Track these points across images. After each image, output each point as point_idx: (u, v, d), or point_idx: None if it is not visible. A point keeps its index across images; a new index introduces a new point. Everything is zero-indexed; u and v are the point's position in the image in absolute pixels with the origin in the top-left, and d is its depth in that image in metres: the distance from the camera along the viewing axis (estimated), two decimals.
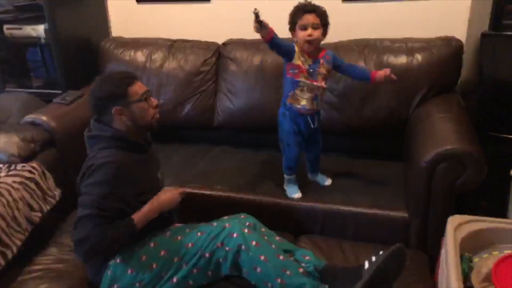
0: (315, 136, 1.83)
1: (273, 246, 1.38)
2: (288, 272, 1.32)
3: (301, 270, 1.34)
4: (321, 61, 1.69)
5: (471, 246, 1.35)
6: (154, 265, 1.37)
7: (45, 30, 2.29)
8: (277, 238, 1.50)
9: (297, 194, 1.79)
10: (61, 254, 1.61)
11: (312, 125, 1.75)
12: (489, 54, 1.76)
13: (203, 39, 2.38)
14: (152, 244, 1.40)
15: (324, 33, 1.68)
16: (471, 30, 2.05)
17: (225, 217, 1.51)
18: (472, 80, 2.00)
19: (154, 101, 1.47)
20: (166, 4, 2.51)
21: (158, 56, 2.34)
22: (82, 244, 1.31)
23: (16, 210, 1.57)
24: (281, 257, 1.34)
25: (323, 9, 1.66)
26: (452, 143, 1.54)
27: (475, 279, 1.27)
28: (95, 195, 1.33)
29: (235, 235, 1.33)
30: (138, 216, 1.39)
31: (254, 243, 1.32)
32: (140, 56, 2.36)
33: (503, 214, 1.75)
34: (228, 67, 2.26)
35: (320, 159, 1.90)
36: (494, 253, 1.35)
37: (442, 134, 1.62)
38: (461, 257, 1.30)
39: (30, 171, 1.70)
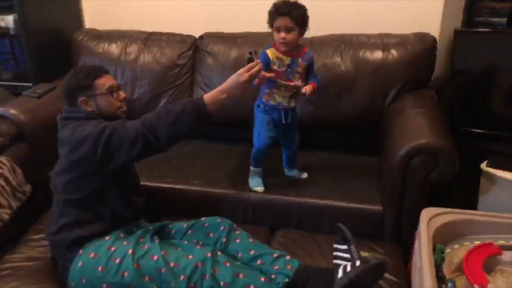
0: (291, 132, 1.83)
1: (241, 276, 1.33)
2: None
3: (262, 279, 1.35)
4: (300, 60, 1.69)
5: (444, 238, 1.39)
6: (126, 274, 1.35)
7: (15, 21, 2.21)
8: (251, 240, 1.50)
9: (260, 188, 1.78)
10: (32, 252, 1.56)
11: (283, 121, 1.75)
12: (461, 50, 1.80)
13: (179, 32, 2.35)
14: (129, 251, 1.38)
15: (301, 33, 1.65)
16: (444, 27, 2.09)
17: (203, 218, 1.56)
18: (446, 75, 2.04)
19: (121, 94, 1.52)
20: None
21: (133, 49, 2.29)
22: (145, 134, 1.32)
23: None
24: (251, 287, 1.33)
25: (299, 10, 1.61)
26: (425, 137, 1.57)
27: (447, 269, 1.30)
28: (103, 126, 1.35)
29: (206, 276, 1.32)
30: (208, 96, 1.37)
31: (222, 283, 1.31)
32: (114, 49, 2.31)
33: (474, 207, 1.80)
34: (204, 61, 2.23)
35: (297, 155, 1.90)
36: (465, 244, 1.39)
37: (416, 128, 1.65)
38: (434, 248, 1.32)
39: None
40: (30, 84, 2.23)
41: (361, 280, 1.27)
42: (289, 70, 1.68)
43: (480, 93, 1.83)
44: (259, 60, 1.46)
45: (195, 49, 2.28)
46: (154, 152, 1.39)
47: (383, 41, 2.04)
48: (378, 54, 2.02)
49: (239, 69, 2.10)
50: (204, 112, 1.36)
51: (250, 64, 1.40)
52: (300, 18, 1.61)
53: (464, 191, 1.86)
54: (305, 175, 1.90)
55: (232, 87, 1.39)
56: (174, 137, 1.36)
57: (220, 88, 1.40)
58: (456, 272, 1.30)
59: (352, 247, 1.37)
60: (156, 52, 2.27)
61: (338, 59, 2.05)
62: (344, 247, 1.39)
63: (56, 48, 2.38)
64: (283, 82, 1.68)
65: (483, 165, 1.75)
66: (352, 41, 2.08)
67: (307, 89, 1.68)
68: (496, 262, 1.32)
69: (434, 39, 2.01)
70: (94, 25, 2.53)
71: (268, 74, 1.58)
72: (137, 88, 2.26)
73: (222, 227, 1.52)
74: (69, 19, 2.50)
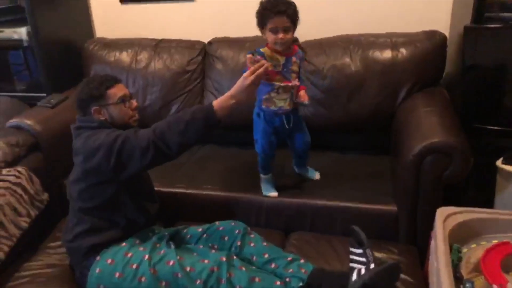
0: (296, 132, 1.79)
1: (257, 279, 1.34)
2: None
3: (278, 283, 1.35)
4: (293, 58, 1.65)
5: (460, 237, 1.37)
6: (143, 279, 1.37)
7: (28, 33, 2.25)
8: (265, 243, 1.51)
9: (273, 193, 1.77)
10: (50, 259, 1.59)
11: (286, 126, 1.71)
12: (471, 47, 1.78)
13: (188, 38, 2.37)
14: (146, 257, 1.39)
15: (294, 31, 1.60)
16: (454, 24, 2.07)
17: (217, 223, 1.58)
18: (457, 73, 2.02)
19: (134, 103, 1.54)
20: (150, 4, 2.49)
21: (143, 56, 2.32)
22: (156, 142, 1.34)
23: (2, 216, 1.55)
24: (256, 280, 1.34)
25: (293, 7, 1.55)
26: (438, 136, 1.55)
27: (464, 269, 1.29)
28: (116, 135, 1.37)
29: (222, 281, 1.33)
30: (217, 102, 1.38)
31: (238, 287, 1.33)
32: (125, 57, 2.34)
33: (490, 205, 1.78)
34: (214, 66, 2.25)
35: (306, 156, 1.88)
36: (482, 243, 1.38)
37: (428, 127, 1.64)
38: (450, 248, 1.31)
39: (16, 176, 1.68)
40: (44, 94, 2.27)
41: (375, 283, 1.27)
42: (285, 70, 1.63)
43: (492, 89, 1.80)
44: (263, 60, 1.44)
45: (204, 54, 2.30)
46: (166, 159, 1.40)
47: (392, 40, 2.03)
48: (387, 54, 2.01)
49: None
50: (214, 118, 1.36)
51: (254, 66, 1.39)
52: (296, 15, 1.56)
53: (480, 190, 1.84)
54: (317, 175, 1.89)
55: (238, 92, 1.39)
56: (184, 145, 1.37)
57: (228, 93, 1.40)
58: (473, 272, 1.28)
59: (368, 250, 1.37)
60: (166, 59, 2.29)
61: (347, 59, 2.04)
62: (360, 251, 1.38)
63: (68, 58, 2.42)
64: (281, 84, 1.63)
65: (499, 162, 1.72)
66: (361, 41, 2.07)
67: (305, 98, 1.65)
68: None
69: (444, 37, 1.99)
70: (105, 34, 2.57)
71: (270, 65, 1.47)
72: (148, 95, 2.28)
73: (237, 231, 1.53)
74: (80, 29, 2.54)
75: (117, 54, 2.35)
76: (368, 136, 2.13)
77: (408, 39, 2.02)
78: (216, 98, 2.17)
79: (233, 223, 1.57)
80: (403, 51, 1.99)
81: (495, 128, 1.80)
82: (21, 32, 2.27)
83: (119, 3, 2.52)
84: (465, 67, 1.82)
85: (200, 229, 1.58)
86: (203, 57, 2.30)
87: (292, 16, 1.55)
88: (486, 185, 1.78)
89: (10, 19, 2.35)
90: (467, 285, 1.20)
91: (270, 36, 1.58)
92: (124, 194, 1.47)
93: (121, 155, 1.35)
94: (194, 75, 2.28)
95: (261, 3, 1.58)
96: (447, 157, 1.53)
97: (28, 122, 1.91)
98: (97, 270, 1.40)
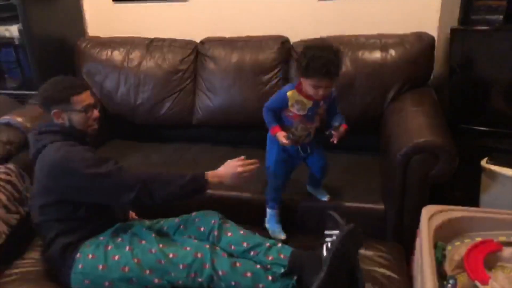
0: (313, 156, 1.68)
1: (238, 264, 1.39)
2: (261, 285, 1.37)
3: (270, 278, 1.38)
4: (321, 103, 1.56)
5: (445, 235, 1.39)
6: (126, 269, 1.38)
7: (19, 30, 2.25)
8: (242, 232, 1.51)
9: (282, 235, 1.66)
10: (41, 257, 1.59)
11: (302, 153, 1.64)
12: (458, 48, 1.81)
13: (180, 37, 2.38)
14: (127, 248, 1.41)
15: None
16: (442, 26, 2.11)
17: (193, 213, 1.60)
18: (445, 74, 2.05)
19: (96, 113, 1.55)
20: (143, 3, 2.49)
21: (135, 55, 2.33)
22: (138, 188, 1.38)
23: None
24: (248, 274, 1.38)
25: (341, 63, 1.45)
26: (425, 136, 1.58)
27: (448, 266, 1.31)
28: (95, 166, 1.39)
29: (207, 266, 1.36)
30: (210, 180, 1.47)
31: (220, 272, 1.36)
32: (117, 55, 2.34)
33: (475, 204, 1.80)
34: (206, 65, 2.26)
35: (323, 178, 1.75)
36: (466, 240, 1.40)
37: (415, 127, 1.67)
38: (435, 245, 1.33)
39: (6, 173, 1.68)
40: (35, 92, 2.26)
41: (343, 251, 1.29)
42: (310, 113, 1.55)
43: (478, 90, 1.83)
44: (257, 161, 1.52)
45: (196, 54, 2.31)
46: (142, 205, 1.48)
47: (381, 41, 2.06)
48: (377, 54, 2.03)
49: (240, 72, 2.18)
50: (202, 191, 1.47)
51: (247, 162, 1.51)
52: (339, 72, 1.46)
53: (465, 189, 1.87)
54: (327, 198, 1.75)
55: (228, 177, 1.50)
56: (168, 201, 1.46)
57: (219, 174, 1.50)
58: (457, 269, 1.31)
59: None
60: (158, 58, 2.30)
61: None
62: (336, 232, 1.35)
63: (60, 56, 2.42)
64: (302, 125, 1.54)
65: (484, 162, 1.76)
66: (351, 41, 2.10)
67: (335, 137, 1.55)
68: (497, 258, 1.32)
69: (432, 38, 2.02)
70: (97, 32, 2.57)
71: (286, 142, 1.51)
72: (140, 93, 2.29)
73: (213, 221, 1.53)
74: (72, 27, 2.54)
75: (109, 52, 2.35)
76: (357, 135, 2.13)
77: (397, 40, 2.05)
78: (208, 97, 2.23)
79: (208, 214, 1.57)
80: (392, 52, 2.02)
81: (481, 128, 1.83)
82: (12, 30, 2.27)
83: (112, 2, 2.52)
84: (451, 68, 1.85)
85: (177, 220, 1.60)
86: (195, 56, 2.31)
87: (338, 75, 1.46)
88: (471, 185, 1.81)
89: (1, 16, 2.35)
90: (450, 281, 1.23)
91: (309, 89, 1.48)
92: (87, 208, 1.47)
93: (99, 192, 1.39)
94: (186, 74, 2.29)
95: (306, 54, 1.45)
96: (433, 156, 1.56)
97: (19, 119, 1.91)
98: (80, 266, 1.41)
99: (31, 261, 1.58)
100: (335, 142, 1.55)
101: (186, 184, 1.43)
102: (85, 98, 1.51)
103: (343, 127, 1.57)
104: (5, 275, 1.51)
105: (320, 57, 1.42)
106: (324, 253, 1.32)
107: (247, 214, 1.76)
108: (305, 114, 1.55)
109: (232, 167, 1.50)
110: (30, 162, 1.51)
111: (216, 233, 1.50)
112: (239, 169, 1.49)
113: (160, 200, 1.42)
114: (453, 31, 1.79)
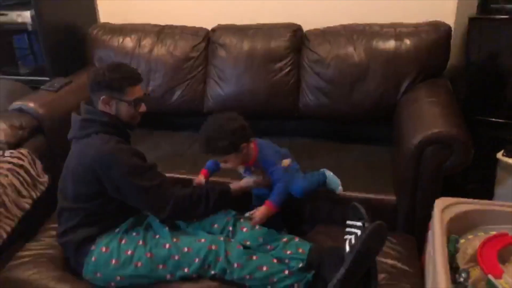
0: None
1: (254, 257, 1.39)
2: (275, 279, 1.36)
3: (286, 272, 1.37)
4: (252, 168, 1.60)
5: (458, 228, 1.37)
6: (139, 264, 1.38)
7: (32, 17, 2.25)
8: (257, 227, 1.48)
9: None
10: (51, 240, 1.61)
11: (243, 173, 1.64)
12: (476, 38, 1.77)
13: (191, 25, 2.36)
14: (140, 242, 1.41)
15: (241, 151, 1.47)
16: (459, 14, 2.05)
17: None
18: (461, 64, 2.01)
19: (143, 107, 1.52)
20: None
21: (147, 42, 2.32)
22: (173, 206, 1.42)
23: (4, 196, 1.57)
24: (264, 268, 1.37)
25: (221, 142, 1.42)
26: (439, 126, 1.55)
27: (461, 260, 1.30)
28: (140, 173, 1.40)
29: (220, 259, 1.36)
30: (233, 192, 1.56)
31: (236, 265, 1.36)
32: (128, 42, 2.33)
33: (490, 197, 1.78)
34: (217, 53, 2.24)
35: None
36: (479, 234, 1.38)
37: (429, 118, 1.64)
38: (448, 238, 1.32)
39: (19, 158, 1.70)
40: (48, 78, 2.28)
41: (368, 248, 1.28)
42: (245, 175, 1.63)
43: (496, 81, 1.80)
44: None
45: (207, 41, 2.29)
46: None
47: (396, 30, 2.02)
48: (391, 44, 1.99)
49: (251, 60, 2.16)
50: (228, 206, 1.56)
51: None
52: (226, 147, 1.44)
53: (480, 181, 1.84)
54: (338, 190, 1.69)
55: (250, 184, 1.60)
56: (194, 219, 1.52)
57: (241, 184, 1.60)
58: (470, 263, 1.29)
59: (367, 225, 1.35)
60: (169, 45, 2.29)
61: (351, 49, 2.03)
62: (359, 223, 1.36)
63: (72, 43, 2.42)
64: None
65: (500, 155, 1.72)
66: (365, 30, 2.06)
67: (254, 215, 1.47)
68: (511, 252, 1.30)
69: (448, 28, 1.98)
70: (108, 19, 2.56)
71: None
72: (151, 81, 2.28)
73: (227, 218, 1.51)
74: (84, 14, 2.53)
75: (121, 39, 2.34)
76: (370, 126, 2.13)
77: (412, 29, 2.00)
78: (219, 85, 2.21)
79: (223, 211, 1.54)
80: (407, 41, 1.98)
81: (497, 120, 1.80)
82: (25, 16, 2.26)
83: None
84: (469, 58, 1.81)
85: None
86: (207, 44, 2.29)
87: (221, 151, 1.45)
88: (486, 177, 1.78)
89: (14, 2, 2.35)
90: (463, 275, 1.21)
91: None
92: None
93: (132, 197, 1.42)
94: (197, 62, 2.27)
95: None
96: (447, 148, 1.53)
97: (31, 105, 1.92)
98: (93, 259, 1.41)
99: (42, 244, 1.60)
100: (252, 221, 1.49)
101: (213, 205, 1.48)
102: (138, 90, 1.48)
103: (258, 212, 1.47)
104: (16, 257, 1.53)
105: (201, 133, 1.49)
106: (347, 248, 1.31)
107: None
108: (241, 174, 1.64)
109: (251, 182, 1.59)
110: (64, 143, 1.53)
111: (230, 228, 1.48)
112: (252, 186, 1.60)
113: (188, 219, 1.50)
114: (471, 20, 1.75)
